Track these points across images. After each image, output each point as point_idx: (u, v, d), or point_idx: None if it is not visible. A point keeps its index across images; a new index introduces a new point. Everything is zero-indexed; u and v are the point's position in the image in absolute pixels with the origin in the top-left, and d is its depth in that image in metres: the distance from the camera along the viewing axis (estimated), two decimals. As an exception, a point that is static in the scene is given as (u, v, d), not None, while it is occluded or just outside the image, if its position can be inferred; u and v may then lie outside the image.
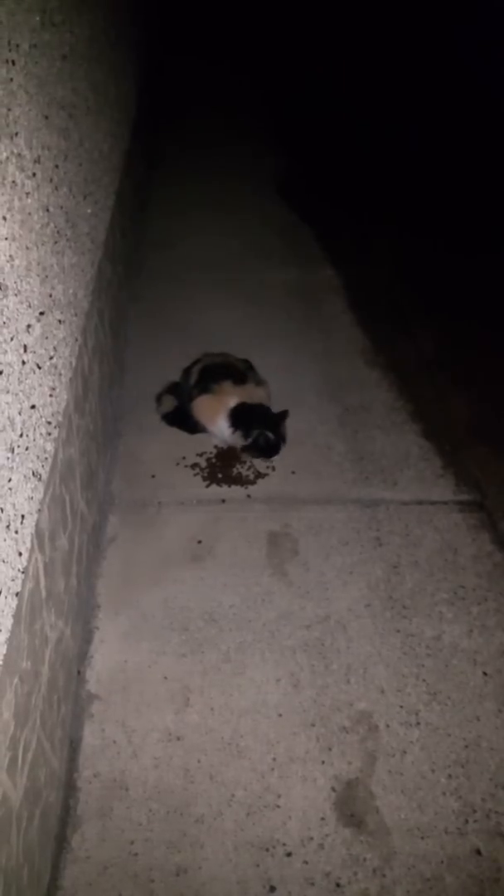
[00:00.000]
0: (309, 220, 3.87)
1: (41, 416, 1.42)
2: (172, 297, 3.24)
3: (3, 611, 1.13)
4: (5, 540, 1.16)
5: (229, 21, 7.01)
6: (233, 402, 2.31)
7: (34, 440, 1.36)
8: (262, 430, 2.26)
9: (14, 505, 1.22)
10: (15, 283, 1.28)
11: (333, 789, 1.55)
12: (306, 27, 6.87)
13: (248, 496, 2.26)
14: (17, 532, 1.22)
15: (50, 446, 1.48)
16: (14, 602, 1.19)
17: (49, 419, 1.48)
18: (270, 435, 2.27)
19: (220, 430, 2.33)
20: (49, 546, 1.44)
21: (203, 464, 2.37)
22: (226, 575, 2.01)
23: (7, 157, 1.27)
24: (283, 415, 2.33)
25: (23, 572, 1.24)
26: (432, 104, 5.00)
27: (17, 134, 1.33)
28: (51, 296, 1.54)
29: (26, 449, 1.30)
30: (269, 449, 2.30)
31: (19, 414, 1.28)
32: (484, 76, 4.85)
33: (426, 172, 4.28)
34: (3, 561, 1.15)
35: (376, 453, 2.40)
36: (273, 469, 2.34)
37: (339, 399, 2.64)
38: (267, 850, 1.46)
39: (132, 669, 1.77)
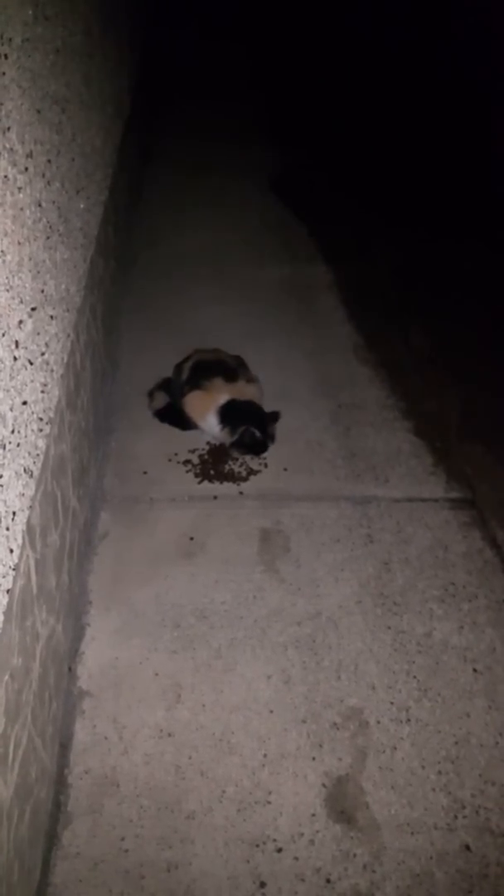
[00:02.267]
0: (303, 217, 3.87)
1: (33, 413, 1.41)
2: (165, 292, 3.23)
3: (-6, 608, 1.13)
4: (-4, 537, 1.16)
5: (226, 15, 6.98)
6: (223, 398, 2.31)
7: (26, 436, 1.35)
8: (248, 426, 2.26)
9: (5, 501, 1.21)
10: (7, 278, 1.28)
11: (324, 785, 1.56)
12: (303, 22, 6.86)
13: (241, 493, 2.26)
14: (8, 529, 1.22)
15: (41, 442, 1.48)
16: (5, 599, 1.18)
17: (41, 415, 1.48)
18: (256, 432, 2.26)
19: (210, 426, 2.33)
20: (40, 542, 1.44)
21: (195, 460, 2.37)
22: (217, 571, 2.01)
23: (-1, 152, 1.26)
24: (275, 415, 2.33)
25: (14, 569, 1.24)
26: (429, 101, 5.00)
27: (9, 128, 1.32)
28: (43, 291, 1.53)
29: (18, 445, 1.30)
30: (255, 446, 2.30)
31: (11, 410, 1.27)
32: (478, 72, 4.86)
33: (423, 170, 4.28)
34: (-5, 558, 1.14)
35: (368, 450, 2.41)
36: (265, 466, 2.34)
37: (331, 396, 2.64)
38: (257, 845, 1.46)
39: (123, 666, 1.77)
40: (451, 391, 2.66)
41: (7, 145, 1.31)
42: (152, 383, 2.58)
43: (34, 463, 1.41)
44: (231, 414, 2.30)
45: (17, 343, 1.32)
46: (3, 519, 1.19)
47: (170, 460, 2.36)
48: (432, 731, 1.65)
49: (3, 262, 1.26)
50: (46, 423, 1.53)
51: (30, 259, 1.44)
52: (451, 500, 2.23)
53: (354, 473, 2.32)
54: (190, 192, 4.10)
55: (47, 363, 1.55)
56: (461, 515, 2.18)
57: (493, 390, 2.65)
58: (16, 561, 1.25)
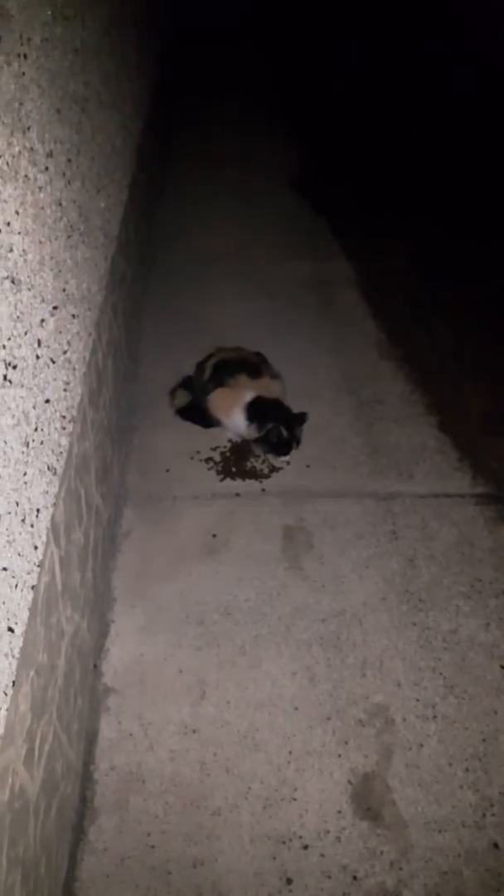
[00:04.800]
0: (323, 213, 3.85)
1: (56, 411, 1.42)
2: (185, 290, 3.23)
3: (19, 604, 1.14)
4: (21, 533, 1.16)
5: (244, 11, 6.98)
6: (249, 395, 2.30)
7: (49, 434, 1.36)
8: (275, 424, 2.25)
9: (29, 499, 1.22)
10: (28, 277, 1.28)
11: (350, 782, 1.55)
12: (322, 16, 6.83)
13: (263, 490, 2.26)
14: (32, 526, 1.22)
15: (65, 440, 1.48)
16: (30, 595, 1.19)
17: (63, 413, 1.49)
18: (284, 431, 2.24)
19: (236, 423, 2.32)
20: (64, 539, 1.45)
21: (217, 458, 2.37)
22: (241, 568, 2.01)
23: (20, 152, 1.27)
24: (302, 417, 2.31)
25: (38, 566, 1.25)
26: (448, 93, 4.96)
27: (29, 128, 1.33)
28: (64, 290, 1.54)
29: (41, 443, 1.31)
30: (280, 445, 2.28)
31: (34, 408, 1.28)
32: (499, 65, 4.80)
33: (444, 163, 4.24)
34: (19, 554, 1.15)
35: (391, 446, 2.39)
36: (287, 463, 2.34)
37: (354, 392, 2.63)
38: (283, 842, 1.46)
39: (148, 662, 1.78)
40: (476, 385, 2.63)
41: (27, 145, 1.31)
42: (174, 381, 2.58)
43: (57, 461, 1.42)
44: (259, 411, 2.28)
45: (39, 341, 1.33)
46: (27, 516, 1.20)
47: (192, 458, 2.37)
48: (459, 728, 1.64)
49: (25, 260, 1.27)
50: (69, 422, 1.53)
51: (51, 258, 1.44)
52: (477, 496, 2.21)
53: (378, 469, 2.30)
54: (210, 189, 4.10)
55: (69, 361, 1.56)
56: (487, 511, 2.16)
57: (519, 384, 2.62)
58: (40, 557, 1.26)
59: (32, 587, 1.21)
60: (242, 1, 7.06)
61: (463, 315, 3.01)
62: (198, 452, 2.38)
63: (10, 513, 1.12)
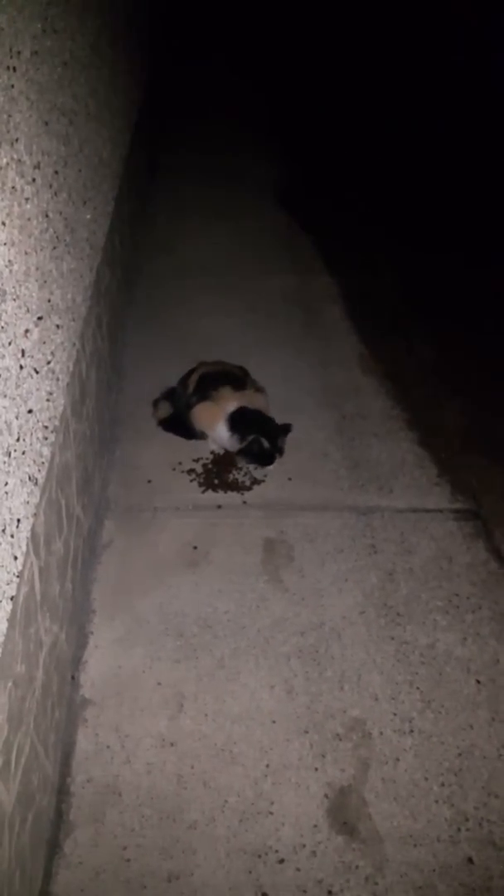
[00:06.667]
0: (308, 228, 3.89)
1: (38, 421, 1.42)
2: (171, 302, 3.24)
3: (-3, 615, 1.13)
4: (1, 544, 1.16)
5: (232, 28, 7.05)
6: (232, 407, 2.31)
7: (31, 444, 1.36)
8: (257, 435, 2.26)
9: (10, 509, 1.22)
10: (13, 287, 1.29)
11: (326, 796, 1.55)
12: (309, 34, 6.91)
13: (244, 502, 2.26)
14: (12, 536, 1.22)
15: (46, 451, 1.48)
16: (9, 606, 1.19)
17: (46, 424, 1.49)
18: (265, 442, 2.26)
19: (220, 435, 2.33)
20: (44, 550, 1.44)
21: (199, 469, 2.37)
22: (221, 581, 2.01)
23: (7, 163, 1.27)
24: (286, 428, 2.33)
25: (18, 576, 1.24)
26: (435, 112, 5.03)
27: (17, 140, 1.34)
28: (49, 301, 1.54)
29: (23, 453, 1.31)
30: (261, 456, 2.29)
31: (16, 418, 1.28)
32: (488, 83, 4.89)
33: (427, 182, 4.29)
34: (-1, 565, 1.15)
35: (372, 461, 2.41)
36: (269, 476, 2.34)
37: (336, 406, 2.65)
38: (259, 856, 1.45)
39: (126, 675, 1.77)
40: (456, 402, 2.66)
41: (15, 156, 1.32)
42: (157, 393, 2.59)
43: (39, 471, 1.42)
44: (241, 422, 2.29)
45: (23, 352, 1.33)
46: (7, 526, 1.20)
47: (174, 469, 2.37)
48: (435, 743, 1.64)
49: (10, 271, 1.27)
50: (52, 432, 1.53)
51: (36, 269, 1.45)
52: (455, 511, 2.23)
53: (358, 483, 2.32)
54: (196, 203, 4.13)
55: (53, 372, 1.56)
56: (465, 526, 2.18)
57: (499, 401, 2.65)
58: (20, 568, 1.26)
59: (11, 598, 1.20)
60: (230, 20, 7.13)
61: (444, 332, 3.04)
62: (180, 464, 2.39)
63: (-10, 523, 1.12)
